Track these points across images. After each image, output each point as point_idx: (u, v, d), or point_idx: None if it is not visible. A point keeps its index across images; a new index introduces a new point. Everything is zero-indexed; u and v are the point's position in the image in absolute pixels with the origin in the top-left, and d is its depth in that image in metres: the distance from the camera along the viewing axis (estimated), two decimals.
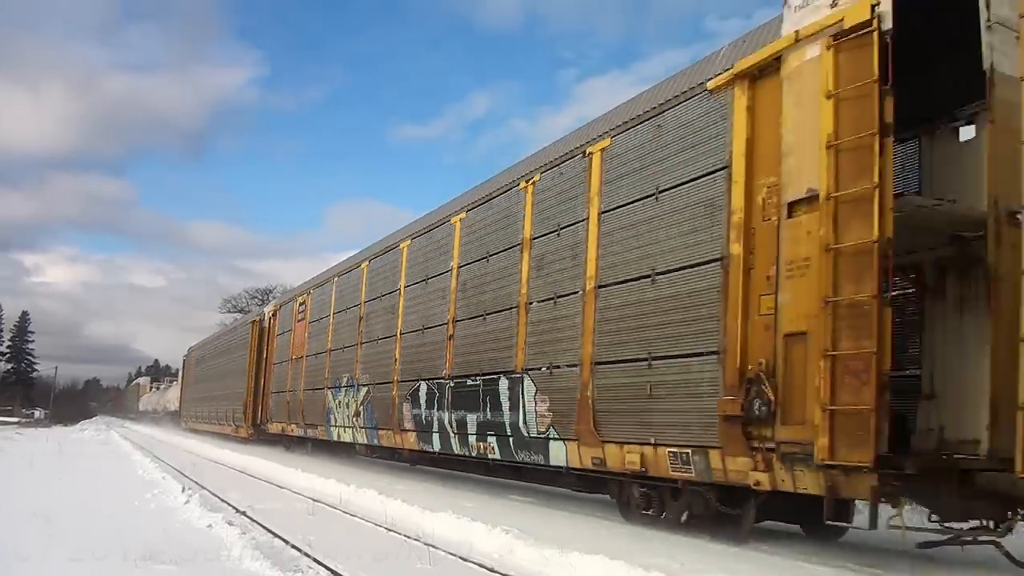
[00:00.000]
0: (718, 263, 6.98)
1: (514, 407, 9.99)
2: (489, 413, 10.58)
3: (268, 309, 25.82)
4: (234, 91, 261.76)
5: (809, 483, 6.07)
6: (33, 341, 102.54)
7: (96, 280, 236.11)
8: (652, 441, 7.58)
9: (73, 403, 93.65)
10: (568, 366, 8.95)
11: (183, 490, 10.27)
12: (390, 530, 7.64)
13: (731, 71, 7.02)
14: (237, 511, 8.65)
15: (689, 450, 7.16)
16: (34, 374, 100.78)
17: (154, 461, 16.93)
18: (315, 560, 5.94)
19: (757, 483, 6.51)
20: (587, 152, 9.06)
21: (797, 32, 6.41)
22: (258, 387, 24.83)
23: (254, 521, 7.99)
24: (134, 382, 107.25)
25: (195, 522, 7.76)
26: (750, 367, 6.50)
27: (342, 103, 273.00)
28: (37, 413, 69.82)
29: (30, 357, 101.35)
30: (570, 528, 7.88)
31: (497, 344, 10.56)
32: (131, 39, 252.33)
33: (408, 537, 7.16)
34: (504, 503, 10.19)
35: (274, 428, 22.70)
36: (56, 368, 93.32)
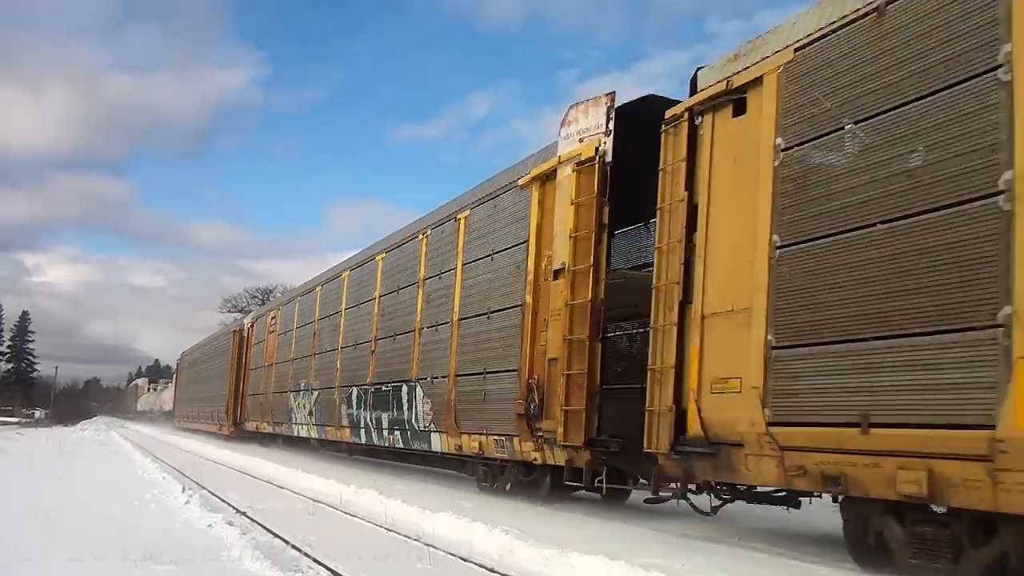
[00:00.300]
0: (520, 308, 10.09)
1: (410, 407, 13.09)
2: (395, 412, 13.68)
3: (247, 321, 29.01)
4: (235, 91, 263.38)
5: (559, 458, 9.17)
6: (33, 341, 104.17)
7: (96, 280, 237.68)
8: (485, 432, 10.69)
9: (73, 403, 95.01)
10: (442, 377, 12.04)
11: (183, 490, 10.39)
12: (390, 530, 7.69)
13: (530, 174, 10.15)
14: (237, 511, 8.69)
15: (504, 438, 10.26)
16: (34, 374, 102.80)
17: (154, 461, 17.04)
18: (315, 560, 5.94)
19: (535, 459, 9.62)
20: (457, 218, 12.18)
21: (559, 157, 9.54)
22: (238, 390, 27.84)
23: (254, 521, 8.00)
24: (132, 383, 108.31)
25: (195, 522, 7.79)
26: (531, 380, 9.60)
27: (342, 103, 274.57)
28: (37, 413, 70.79)
29: (30, 357, 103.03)
30: (570, 528, 7.94)
31: (402, 359, 13.67)
32: (132, 39, 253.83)
33: (408, 537, 7.20)
34: (504, 503, 10.35)
35: (250, 426, 25.87)
36: (56, 368, 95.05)
